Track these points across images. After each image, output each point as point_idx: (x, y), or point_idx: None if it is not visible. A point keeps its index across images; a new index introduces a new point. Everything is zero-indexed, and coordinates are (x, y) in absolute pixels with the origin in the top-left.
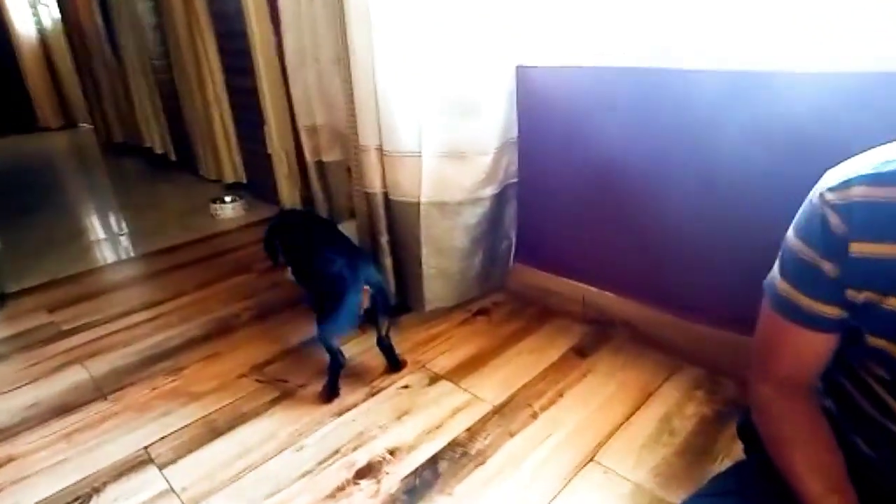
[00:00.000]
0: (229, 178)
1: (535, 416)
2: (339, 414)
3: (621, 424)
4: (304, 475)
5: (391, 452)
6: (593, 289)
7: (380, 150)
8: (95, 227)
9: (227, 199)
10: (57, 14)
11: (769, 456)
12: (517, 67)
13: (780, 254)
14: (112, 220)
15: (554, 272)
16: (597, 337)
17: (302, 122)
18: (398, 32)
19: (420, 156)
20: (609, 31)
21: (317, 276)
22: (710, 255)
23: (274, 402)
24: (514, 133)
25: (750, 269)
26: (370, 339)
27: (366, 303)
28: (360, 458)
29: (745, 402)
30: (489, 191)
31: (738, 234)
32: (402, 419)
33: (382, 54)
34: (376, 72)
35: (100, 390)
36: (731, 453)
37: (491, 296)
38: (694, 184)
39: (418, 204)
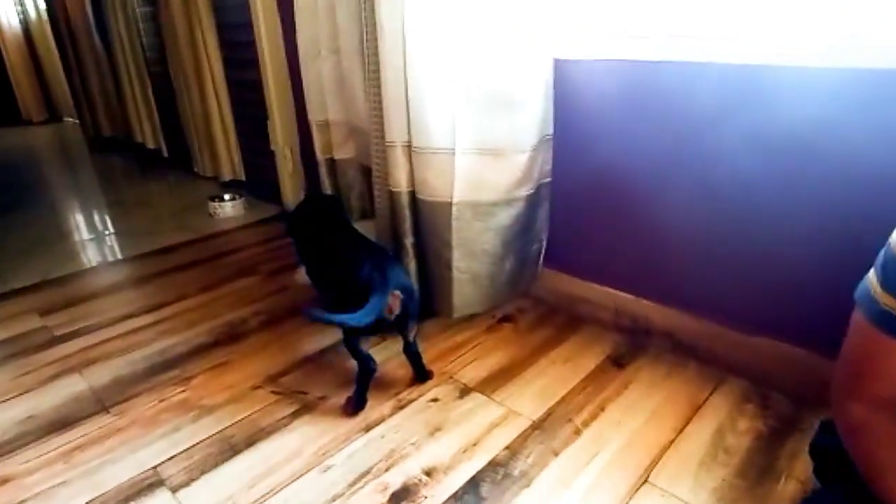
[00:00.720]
0: (227, 175)
1: (577, 431)
2: (367, 429)
3: (672, 441)
4: (334, 499)
5: (427, 473)
6: (628, 295)
7: (408, 146)
8: (86, 225)
9: (227, 197)
10: (42, 3)
11: (864, 483)
12: (555, 60)
13: (880, 263)
14: (103, 218)
15: (584, 277)
16: (632, 346)
17: (313, 117)
18: (432, 20)
19: (453, 153)
20: (652, 22)
21: (342, 279)
22: (754, 261)
23: (294, 415)
24: (551, 130)
25: (796, 275)
26: (392, 347)
27: (397, 308)
28: (394, 480)
29: (817, 421)
30: (524, 191)
31: (784, 238)
32: (434, 435)
33: (415, 43)
34: (408, 62)
35: (101, 402)
36: (794, 472)
37: (515, 301)
38: (736, 186)
39: (450, 204)
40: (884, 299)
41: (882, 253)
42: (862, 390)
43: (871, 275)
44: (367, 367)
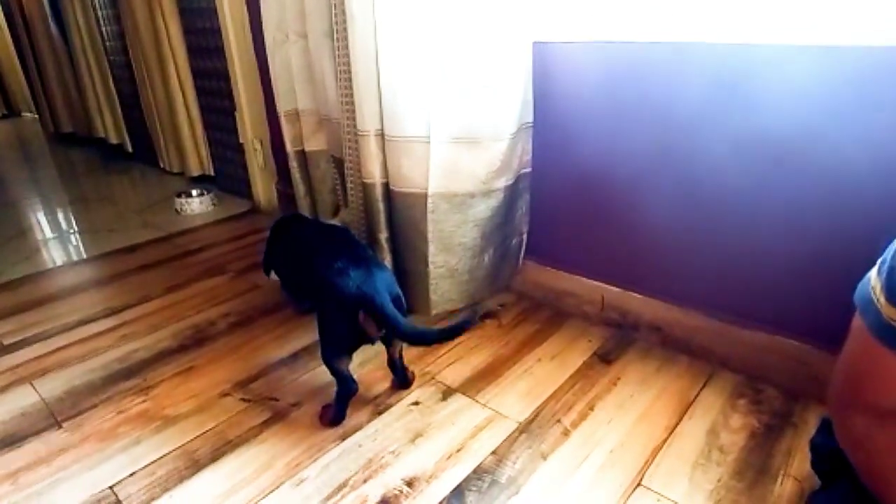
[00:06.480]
0: (194, 170)
1: (566, 433)
2: (343, 438)
3: (665, 440)
4: None
5: (409, 484)
6: (614, 288)
7: (381, 135)
8: (43, 224)
9: (195, 192)
10: None
11: (868, 491)
12: (534, 43)
13: (885, 271)
14: (62, 216)
15: (569, 270)
16: (620, 340)
17: (282, 106)
18: (404, 1)
19: (428, 141)
20: (638, 1)
21: (325, 290)
22: (744, 251)
23: (264, 425)
24: (530, 117)
25: (787, 265)
26: (368, 349)
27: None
28: (373, 492)
29: (811, 416)
30: (503, 181)
31: (774, 227)
32: (416, 442)
33: (386, 25)
34: (379, 45)
35: (53, 416)
36: (791, 471)
37: (497, 296)
38: (725, 174)
39: (425, 195)
40: (888, 311)
41: (888, 260)
42: (865, 401)
43: (874, 280)
44: (346, 388)
